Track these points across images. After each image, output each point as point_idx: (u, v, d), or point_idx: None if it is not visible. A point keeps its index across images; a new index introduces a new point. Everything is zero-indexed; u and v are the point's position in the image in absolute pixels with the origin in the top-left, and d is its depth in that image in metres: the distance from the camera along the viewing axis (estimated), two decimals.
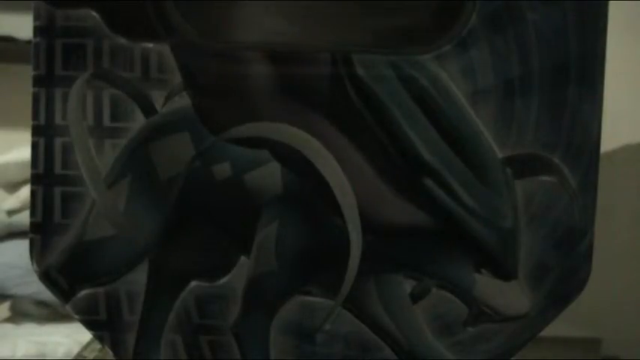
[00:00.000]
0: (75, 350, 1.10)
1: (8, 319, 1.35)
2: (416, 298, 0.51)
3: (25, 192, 1.37)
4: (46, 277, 0.51)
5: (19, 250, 1.27)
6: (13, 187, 1.44)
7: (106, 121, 0.50)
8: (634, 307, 1.56)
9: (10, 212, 1.40)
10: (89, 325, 0.52)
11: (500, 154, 0.50)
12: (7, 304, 1.38)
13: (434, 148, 0.49)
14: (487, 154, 0.49)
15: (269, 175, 0.50)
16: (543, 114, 0.49)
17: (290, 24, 0.50)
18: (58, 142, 0.50)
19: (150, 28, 0.49)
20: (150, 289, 0.51)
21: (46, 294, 0.63)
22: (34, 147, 0.50)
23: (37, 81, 0.50)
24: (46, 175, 0.50)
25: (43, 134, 0.50)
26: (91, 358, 0.95)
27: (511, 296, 0.51)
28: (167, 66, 0.49)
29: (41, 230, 0.51)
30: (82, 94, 0.50)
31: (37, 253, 0.51)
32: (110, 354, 0.52)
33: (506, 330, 0.51)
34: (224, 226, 0.51)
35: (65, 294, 0.51)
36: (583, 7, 0.49)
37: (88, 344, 1.02)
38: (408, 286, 0.51)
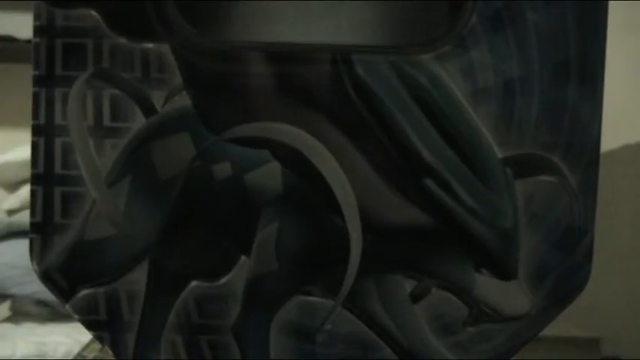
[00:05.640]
0: (75, 350, 1.10)
1: (8, 319, 1.35)
2: (416, 298, 0.51)
3: (25, 192, 1.37)
4: (46, 276, 0.51)
5: (19, 250, 1.27)
6: (13, 186, 1.44)
7: (106, 121, 0.50)
8: (634, 307, 1.56)
9: (10, 212, 1.40)
10: (89, 325, 0.52)
11: (500, 154, 0.50)
12: (7, 304, 1.38)
13: (434, 148, 0.49)
14: (487, 154, 0.49)
15: (269, 175, 0.50)
16: (543, 114, 0.49)
17: (290, 24, 0.50)
18: (58, 142, 0.50)
19: (150, 28, 0.49)
20: (150, 289, 0.51)
21: (46, 294, 0.63)
22: (34, 147, 0.50)
23: (37, 81, 0.50)
24: (46, 175, 0.50)
25: (43, 134, 0.50)
26: (91, 358, 0.95)
27: (511, 296, 0.51)
28: (167, 66, 0.49)
29: (41, 230, 0.51)
30: (82, 94, 0.50)
31: (37, 252, 0.51)
32: (110, 354, 0.52)
33: (506, 330, 0.51)
34: (224, 226, 0.51)
35: (65, 294, 0.51)
36: (583, 7, 0.49)
37: (88, 344, 1.02)
38: (408, 286, 0.51)
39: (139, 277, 0.51)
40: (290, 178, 0.50)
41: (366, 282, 0.51)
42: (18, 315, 1.36)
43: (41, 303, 1.32)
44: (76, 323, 0.52)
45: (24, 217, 1.26)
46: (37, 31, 0.49)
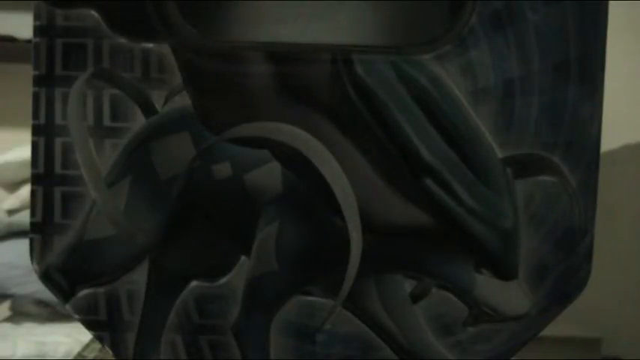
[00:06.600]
0: (75, 350, 1.10)
1: (8, 319, 1.35)
2: (416, 298, 0.51)
3: (25, 191, 1.37)
4: (46, 276, 0.51)
5: (19, 250, 1.27)
6: (13, 186, 1.44)
7: (106, 121, 0.50)
8: (634, 307, 1.56)
9: (10, 212, 1.40)
10: (89, 325, 0.52)
11: (500, 154, 0.50)
12: (7, 304, 1.38)
13: (434, 148, 0.49)
14: (487, 154, 0.49)
15: (269, 175, 0.50)
16: (543, 114, 0.49)
17: (290, 24, 0.50)
18: (58, 142, 0.50)
19: (150, 28, 0.49)
20: (150, 289, 0.51)
21: (46, 294, 0.63)
22: (34, 147, 0.50)
23: (37, 81, 0.50)
24: (46, 175, 0.50)
25: (43, 134, 0.50)
26: (91, 358, 0.95)
27: (511, 296, 0.51)
28: (167, 66, 0.49)
29: (41, 230, 0.51)
30: (82, 94, 0.50)
31: (37, 252, 0.51)
32: (110, 354, 0.52)
33: (506, 330, 0.51)
34: (224, 226, 0.51)
35: (65, 294, 0.51)
36: (583, 7, 0.49)
37: (88, 344, 1.02)
38: (408, 286, 0.51)
39: (139, 277, 0.51)
40: (290, 178, 0.50)
41: (366, 282, 0.51)
42: (18, 315, 1.36)
43: (41, 303, 1.32)
44: (76, 323, 0.52)
45: (24, 217, 1.26)
46: (37, 31, 0.49)
